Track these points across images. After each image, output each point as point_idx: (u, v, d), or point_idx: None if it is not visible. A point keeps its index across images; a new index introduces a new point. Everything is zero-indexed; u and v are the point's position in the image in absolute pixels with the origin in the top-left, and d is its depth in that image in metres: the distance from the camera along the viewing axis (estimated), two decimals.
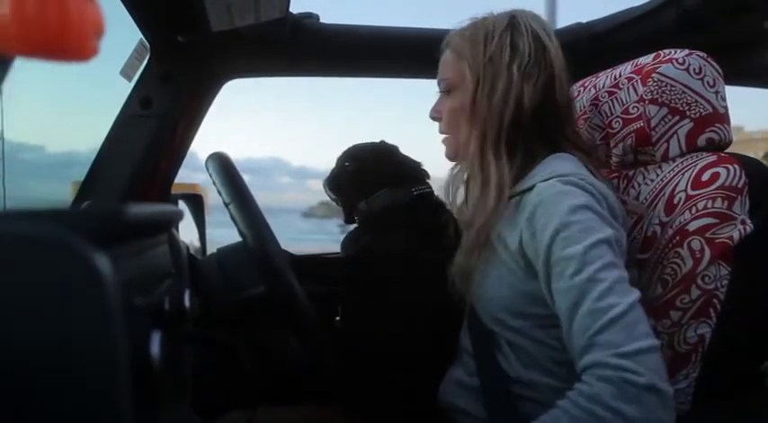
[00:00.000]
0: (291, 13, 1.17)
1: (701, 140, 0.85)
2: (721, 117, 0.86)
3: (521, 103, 0.79)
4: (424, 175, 1.19)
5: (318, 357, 0.89)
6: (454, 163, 0.91)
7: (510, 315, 0.78)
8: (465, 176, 0.88)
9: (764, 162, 0.87)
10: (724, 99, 0.87)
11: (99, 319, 0.31)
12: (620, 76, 0.92)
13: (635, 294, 0.64)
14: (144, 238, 0.53)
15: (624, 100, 0.90)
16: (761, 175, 0.79)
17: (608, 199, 0.75)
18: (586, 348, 0.63)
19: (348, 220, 1.24)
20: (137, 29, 1.09)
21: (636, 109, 0.88)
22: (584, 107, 0.98)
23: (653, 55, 0.89)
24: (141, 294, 0.46)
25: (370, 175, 1.17)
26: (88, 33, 0.32)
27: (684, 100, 0.84)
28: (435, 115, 0.91)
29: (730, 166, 0.77)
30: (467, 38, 0.84)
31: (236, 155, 0.98)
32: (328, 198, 1.28)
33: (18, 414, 0.30)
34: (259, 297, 0.92)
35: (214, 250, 0.99)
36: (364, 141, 1.25)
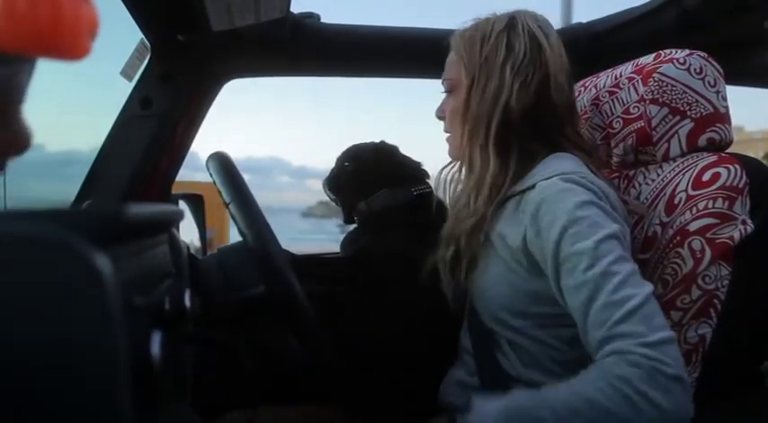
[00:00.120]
0: (292, 13, 1.17)
1: (702, 140, 0.85)
2: (722, 117, 0.86)
3: (510, 103, 0.79)
4: (424, 174, 1.19)
5: (318, 357, 0.89)
6: (446, 163, 0.92)
7: (510, 314, 0.78)
8: (459, 175, 0.89)
9: (765, 162, 0.87)
10: (725, 99, 0.87)
11: (99, 319, 0.31)
12: (621, 75, 0.92)
13: (649, 286, 0.65)
14: (144, 238, 0.53)
15: (625, 100, 0.90)
16: (761, 175, 0.79)
17: (609, 197, 0.75)
18: (607, 340, 0.62)
19: (347, 221, 1.24)
20: (137, 29, 1.09)
21: (636, 109, 0.88)
22: (585, 107, 0.98)
23: (653, 55, 0.89)
24: (141, 294, 0.46)
25: (369, 176, 1.17)
26: (81, 32, 0.31)
27: (685, 100, 0.84)
28: (440, 115, 0.92)
29: (731, 167, 0.77)
30: (466, 38, 0.85)
31: (236, 154, 0.98)
32: (328, 198, 1.28)
33: (18, 414, 0.30)
34: (259, 297, 0.92)
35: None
36: (364, 141, 1.25)
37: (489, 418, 0.63)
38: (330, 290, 1.23)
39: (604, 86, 0.95)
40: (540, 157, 0.81)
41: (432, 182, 1.17)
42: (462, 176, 0.89)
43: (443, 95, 0.92)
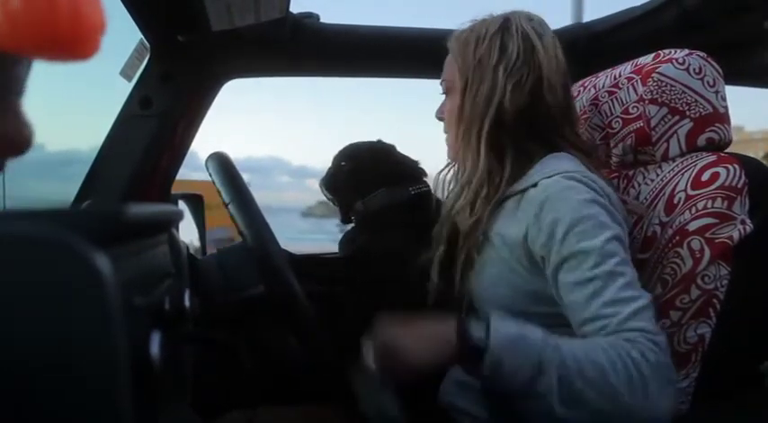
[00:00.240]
0: (291, 13, 1.17)
1: (701, 140, 0.85)
2: (721, 117, 0.86)
3: (503, 104, 0.79)
4: (422, 173, 1.19)
5: (318, 357, 0.89)
6: (445, 164, 0.93)
7: (510, 314, 0.78)
8: (450, 175, 0.90)
9: (764, 162, 0.87)
10: (724, 99, 0.87)
11: (99, 319, 0.31)
12: (620, 75, 0.92)
13: (649, 294, 0.67)
14: (144, 238, 0.53)
15: (624, 100, 0.90)
16: (761, 174, 0.79)
17: (611, 197, 0.75)
18: (617, 332, 0.64)
19: (345, 220, 1.24)
20: (137, 29, 1.09)
21: (636, 109, 0.88)
22: (584, 107, 0.98)
23: (653, 55, 0.89)
24: (141, 294, 0.46)
25: (366, 175, 1.17)
26: (83, 30, 0.31)
27: (684, 100, 0.84)
28: (440, 116, 0.92)
29: (730, 166, 0.77)
30: (461, 41, 0.85)
31: (235, 154, 0.98)
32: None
33: (18, 414, 0.30)
34: (259, 297, 0.92)
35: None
36: (361, 141, 1.25)
37: (498, 335, 0.62)
38: (329, 290, 1.23)
39: (603, 86, 0.95)
40: (538, 158, 0.81)
41: (430, 181, 1.17)
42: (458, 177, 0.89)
43: (442, 95, 0.92)
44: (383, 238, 1.11)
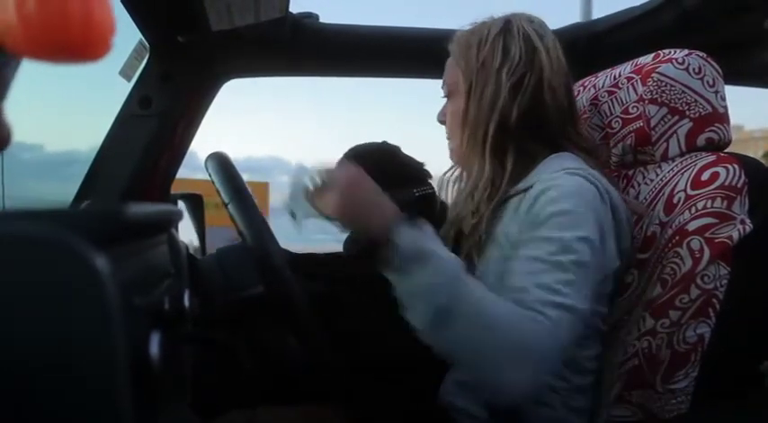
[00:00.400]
0: (291, 13, 1.17)
1: (701, 140, 0.85)
2: (721, 117, 0.86)
3: (507, 107, 0.80)
4: (427, 175, 1.18)
5: (317, 357, 0.89)
6: (449, 166, 0.93)
7: None
8: (459, 177, 0.90)
9: (764, 161, 0.87)
10: (723, 99, 0.87)
11: (98, 319, 0.31)
12: (620, 75, 0.92)
13: (585, 307, 0.67)
14: (143, 238, 0.53)
15: (624, 100, 0.90)
16: (760, 174, 0.79)
17: (612, 195, 0.76)
18: (528, 309, 0.65)
19: None
20: (136, 29, 1.09)
21: (635, 109, 0.88)
22: (584, 107, 0.98)
23: (652, 55, 0.89)
24: (141, 294, 0.46)
25: (370, 176, 1.16)
26: (94, 31, 0.32)
27: (684, 100, 0.84)
28: (442, 119, 0.93)
29: (730, 166, 0.77)
30: (463, 43, 0.86)
31: (235, 154, 0.98)
32: None
33: (18, 414, 0.30)
34: (258, 297, 0.92)
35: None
36: (367, 142, 1.25)
37: (409, 244, 0.64)
38: (329, 289, 1.23)
39: (603, 86, 0.95)
40: (541, 158, 0.81)
41: (434, 182, 1.17)
42: (463, 180, 0.89)
43: (444, 99, 0.92)
44: None
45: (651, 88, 0.85)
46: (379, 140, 1.25)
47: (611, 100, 0.92)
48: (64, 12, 0.30)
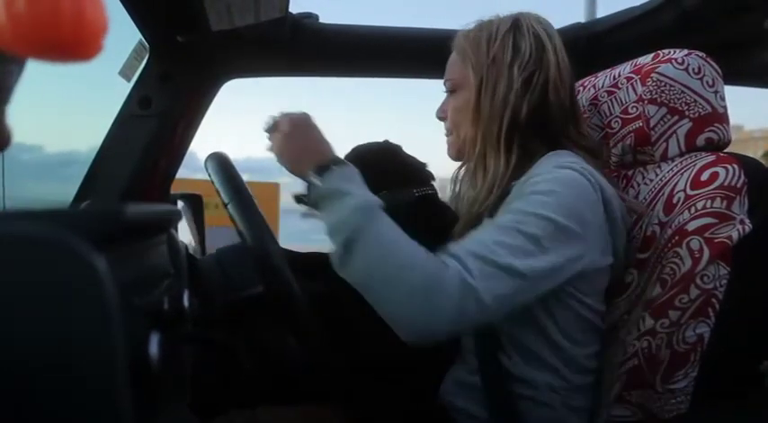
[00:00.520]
0: (291, 13, 1.17)
1: (700, 140, 0.85)
2: (720, 117, 0.86)
3: (518, 103, 0.81)
4: (429, 176, 1.18)
5: (317, 357, 0.89)
6: (459, 162, 0.93)
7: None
8: (469, 173, 0.89)
9: (764, 161, 0.87)
10: (723, 99, 0.87)
11: (98, 319, 0.31)
12: (620, 75, 0.92)
13: (523, 270, 0.67)
14: (143, 238, 0.53)
15: (623, 100, 0.90)
16: (760, 174, 0.79)
17: (605, 190, 0.76)
18: (448, 254, 0.68)
19: None
20: (136, 29, 1.09)
21: (635, 109, 0.88)
22: (584, 107, 0.98)
23: (652, 55, 0.89)
24: (140, 295, 0.46)
25: (369, 176, 1.16)
26: (86, 30, 0.32)
27: (683, 100, 0.84)
28: (441, 115, 0.93)
29: (729, 166, 0.77)
30: (471, 39, 0.86)
31: (235, 155, 0.98)
32: None
33: (17, 414, 0.30)
34: (258, 297, 0.92)
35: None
36: (368, 141, 1.24)
37: (325, 184, 0.71)
38: (329, 289, 1.23)
39: (603, 86, 0.95)
40: (539, 155, 0.81)
41: (436, 184, 1.17)
42: (470, 173, 0.89)
43: (443, 96, 0.92)
44: None
45: (651, 88, 0.85)
46: (381, 140, 1.24)
47: (611, 100, 0.92)
48: (55, 10, 0.29)
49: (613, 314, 0.84)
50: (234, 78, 1.30)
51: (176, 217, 0.79)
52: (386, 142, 1.23)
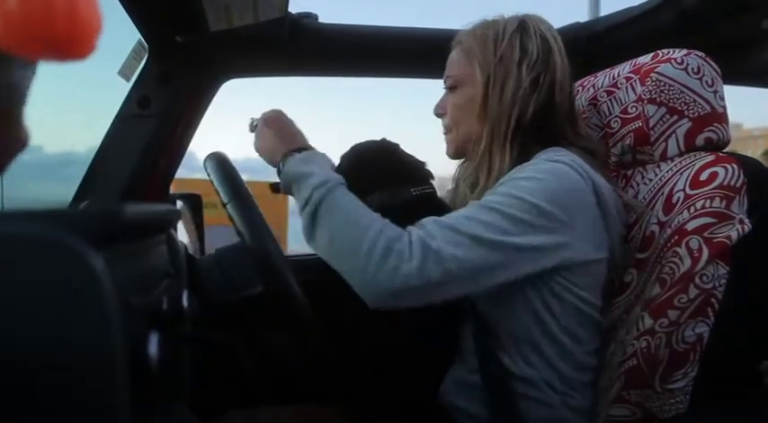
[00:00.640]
0: (290, 13, 1.17)
1: (700, 140, 0.85)
2: (720, 117, 0.86)
3: (527, 103, 0.82)
4: (428, 174, 1.17)
5: (317, 356, 0.89)
6: (456, 160, 0.93)
7: (504, 297, 0.79)
8: (471, 170, 0.90)
9: (763, 159, 0.87)
10: (722, 99, 0.87)
11: (96, 319, 0.31)
12: (619, 75, 0.92)
13: (492, 238, 0.70)
14: (142, 238, 0.53)
15: (623, 100, 0.90)
16: (759, 174, 0.79)
17: (596, 183, 0.77)
18: (420, 225, 0.72)
19: None
20: (135, 29, 1.09)
21: (634, 108, 0.88)
22: (583, 107, 0.98)
23: (651, 55, 0.89)
24: (139, 295, 0.46)
25: (366, 174, 1.16)
26: (79, 29, 0.31)
27: (683, 99, 0.84)
28: (440, 111, 0.93)
29: (728, 166, 0.77)
30: (477, 37, 0.86)
31: (234, 155, 0.98)
32: None
33: (15, 414, 0.30)
34: (258, 297, 0.92)
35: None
36: (366, 140, 1.24)
37: (290, 169, 0.77)
38: (328, 288, 1.23)
39: (602, 86, 0.95)
40: (535, 152, 0.82)
41: (435, 182, 1.17)
42: (472, 169, 0.90)
43: (440, 94, 0.92)
44: None
45: (650, 88, 0.85)
46: (379, 138, 1.24)
47: (610, 100, 0.93)
48: (48, 7, 0.29)
49: (613, 314, 0.84)
50: (233, 78, 1.30)
51: (176, 217, 0.79)
52: (383, 140, 1.22)
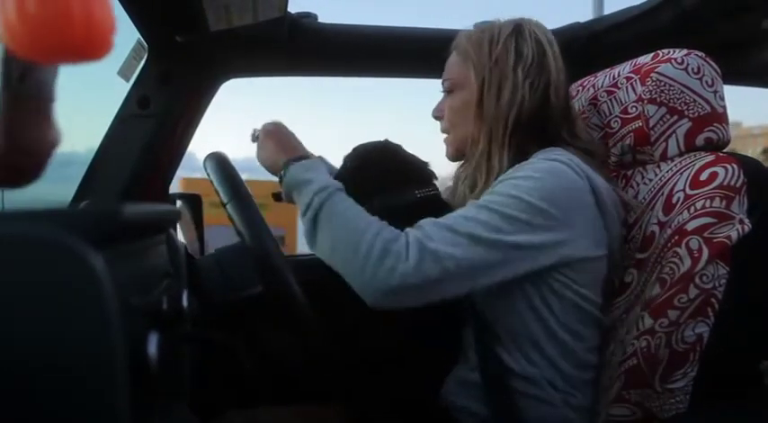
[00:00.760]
0: (290, 13, 1.17)
1: (700, 140, 0.85)
2: (720, 117, 0.86)
3: (524, 105, 0.82)
4: (431, 175, 1.17)
5: (317, 356, 0.89)
6: (455, 162, 0.93)
7: (503, 293, 0.79)
8: (470, 171, 0.90)
9: (763, 157, 0.87)
10: (722, 99, 0.87)
11: (96, 319, 0.31)
12: (619, 75, 0.92)
13: (489, 237, 0.71)
14: (142, 238, 0.53)
15: (623, 100, 0.90)
16: (759, 174, 0.79)
17: (593, 182, 0.77)
18: (418, 226, 0.74)
19: None
20: (134, 29, 1.09)
21: (634, 108, 0.88)
22: (583, 107, 0.98)
23: (651, 55, 0.89)
24: (139, 294, 0.46)
25: (369, 175, 1.15)
26: (102, 33, 0.32)
27: (683, 99, 0.84)
28: (438, 114, 0.94)
29: (728, 166, 0.77)
30: (473, 41, 0.88)
31: (234, 154, 0.98)
32: None
33: (15, 414, 0.30)
34: (258, 297, 0.92)
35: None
36: (369, 141, 1.24)
37: (290, 178, 0.79)
38: (328, 288, 1.23)
39: (602, 86, 0.95)
40: (532, 152, 0.82)
41: (438, 183, 1.17)
42: (471, 171, 0.90)
43: (440, 95, 0.93)
44: None
45: (650, 88, 0.85)
46: (382, 139, 1.24)
47: (611, 100, 0.93)
48: (65, 12, 0.30)
49: (613, 314, 0.84)
50: (233, 78, 1.30)
51: (175, 217, 0.79)
52: (386, 141, 1.22)
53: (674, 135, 0.85)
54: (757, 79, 1.44)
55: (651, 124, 0.86)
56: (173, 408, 0.61)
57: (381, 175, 1.14)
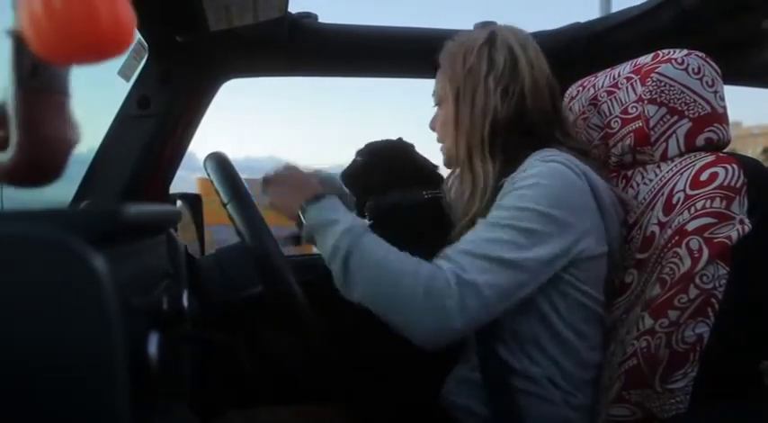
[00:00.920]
0: (290, 13, 1.17)
1: (700, 140, 0.85)
2: (720, 117, 0.86)
3: (498, 113, 0.84)
4: (439, 178, 1.17)
5: (317, 356, 0.89)
6: (450, 172, 0.96)
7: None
8: (458, 179, 0.92)
9: (763, 157, 0.87)
10: (723, 99, 0.87)
11: (96, 319, 0.31)
12: (619, 75, 0.92)
13: (514, 258, 0.70)
14: (142, 238, 0.53)
15: (623, 100, 0.90)
16: (759, 174, 0.79)
17: (590, 179, 0.78)
18: (444, 258, 0.73)
19: (359, 215, 1.24)
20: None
21: (635, 109, 0.88)
22: (583, 107, 0.98)
23: (652, 55, 0.89)
24: (139, 294, 0.46)
25: (379, 172, 1.15)
26: (126, 30, 0.32)
27: (683, 100, 0.84)
28: (432, 126, 0.97)
29: (729, 166, 0.77)
30: (450, 53, 0.90)
31: (234, 155, 0.98)
32: None
33: (15, 414, 0.30)
34: (258, 297, 0.92)
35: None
36: (382, 139, 1.24)
37: (312, 219, 0.77)
38: (328, 288, 1.23)
39: (603, 86, 0.95)
40: (525, 156, 0.83)
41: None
42: (461, 183, 0.92)
43: (434, 105, 0.96)
44: (390, 237, 1.10)
45: (650, 88, 0.85)
46: (395, 138, 1.23)
47: (611, 100, 0.93)
48: (91, 11, 0.30)
49: (613, 314, 0.85)
50: (233, 78, 1.30)
51: (176, 217, 0.79)
52: (400, 140, 1.22)
53: (674, 135, 0.85)
54: (757, 79, 1.44)
55: (651, 124, 0.86)
56: (173, 408, 0.61)
57: (393, 174, 1.14)
